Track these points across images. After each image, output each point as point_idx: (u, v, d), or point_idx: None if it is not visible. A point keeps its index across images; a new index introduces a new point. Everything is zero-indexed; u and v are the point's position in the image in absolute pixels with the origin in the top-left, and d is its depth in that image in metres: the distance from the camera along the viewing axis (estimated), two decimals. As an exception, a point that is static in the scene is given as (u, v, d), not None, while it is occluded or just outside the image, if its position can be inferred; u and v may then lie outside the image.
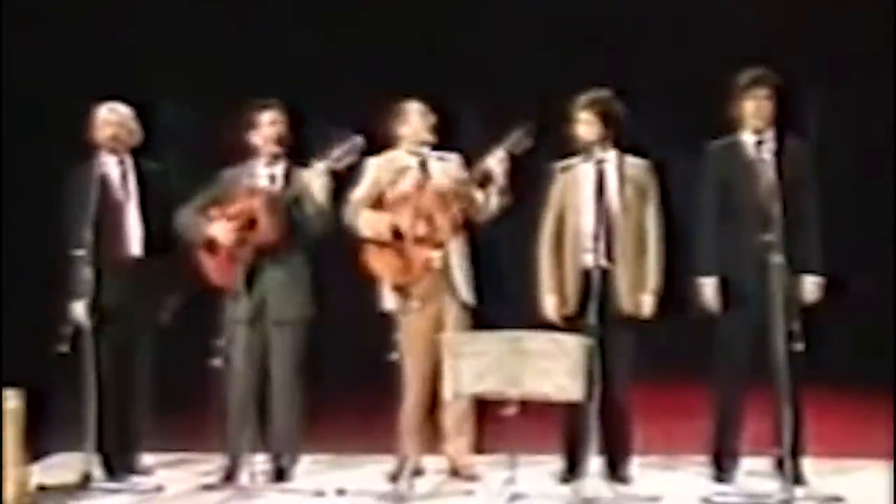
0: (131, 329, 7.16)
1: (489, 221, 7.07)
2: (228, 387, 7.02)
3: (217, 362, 6.82)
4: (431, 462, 7.23)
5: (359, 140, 6.92)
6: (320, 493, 6.86)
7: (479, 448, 7.24)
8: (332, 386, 7.41)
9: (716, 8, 7.61)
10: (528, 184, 7.05)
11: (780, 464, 6.64)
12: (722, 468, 7.00)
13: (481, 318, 7.10)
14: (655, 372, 7.20)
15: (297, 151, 7.14)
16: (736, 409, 6.96)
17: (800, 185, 6.82)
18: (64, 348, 6.91)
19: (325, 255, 7.16)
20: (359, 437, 7.55)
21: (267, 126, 7.09)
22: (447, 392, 6.69)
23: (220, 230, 6.97)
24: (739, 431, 6.98)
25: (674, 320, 7.05)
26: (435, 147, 7.17)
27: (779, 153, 6.85)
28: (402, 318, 6.97)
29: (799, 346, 6.55)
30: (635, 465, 7.08)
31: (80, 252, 6.95)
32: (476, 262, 7.15)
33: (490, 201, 6.99)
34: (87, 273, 6.96)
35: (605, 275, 6.85)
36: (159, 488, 7.04)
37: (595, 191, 6.90)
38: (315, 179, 6.94)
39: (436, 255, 6.94)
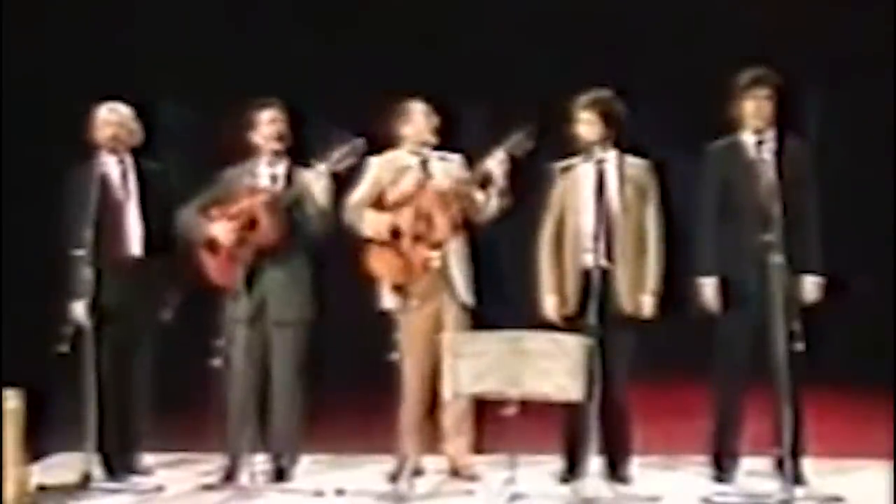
0: (131, 329, 7.16)
1: (489, 222, 7.07)
2: (228, 387, 7.02)
3: (217, 362, 6.82)
4: (431, 462, 7.24)
5: (359, 142, 6.93)
6: (320, 493, 6.86)
7: (479, 448, 7.24)
8: (332, 386, 7.41)
9: (716, 8, 7.61)
10: (528, 184, 7.05)
11: (780, 464, 6.64)
12: (722, 468, 7.00)
13: (481, 318, 7.10)
14: (655, 372, 7.20)
15: (297, 151, 7.14)
16: (736, 409, 6.96)
17: (800, 185, 6.82)
18: (64, 348, 6.91)
19: (325, 255, 7.16)
20: (359, 437, 7.55)
21: (267, 124, 7.09)
22: (447, 392, 6.70)
23: (221, 230, 6.97)
24: (739, 431, 6.98)
25: (674, 320, 7.05)
26: (437, 147, 7.17)
27: (779, 153, 6.85)
28: (401, 317, 6.97)
29: (799, 346, 6.55)
30: (635, 465, 7.08)
31: (80, 252, 6.95)
32: (476, 262, 7.15)
33: (490, 203, 7.00)
34: (87, 273, 6.96)
35: (605, 275, 6.85)
36: (159, 488, 7.05)
37: (595, 191, 6.90)
38: (316, 181, 6.94)
39: (435, 254, 6.94)
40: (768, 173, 6.74)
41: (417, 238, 6.94)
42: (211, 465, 7.25)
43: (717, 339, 6.97)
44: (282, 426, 7.10)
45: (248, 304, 6.96)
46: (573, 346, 6.48)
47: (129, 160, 7.23)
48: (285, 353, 7.08)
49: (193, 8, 7.94)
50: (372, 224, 7.00)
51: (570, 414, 6.89)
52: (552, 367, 6.44)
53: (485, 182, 6.97)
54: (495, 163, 6.92)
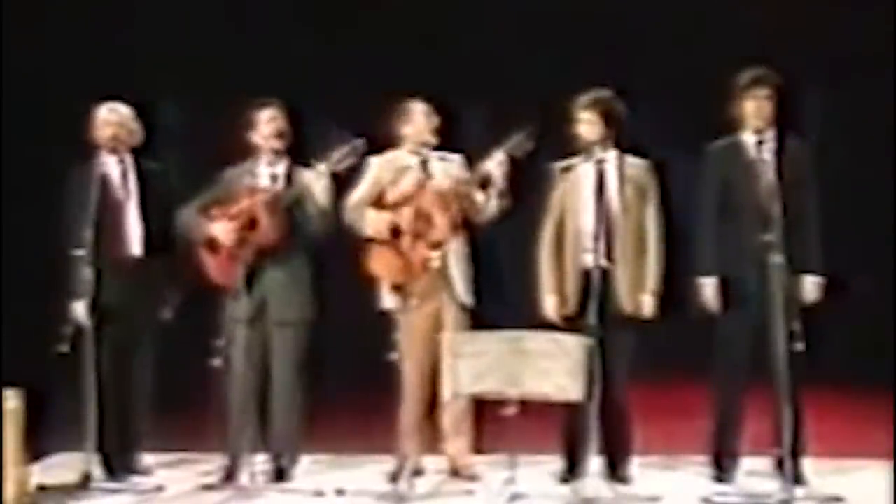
0: (131, 329, 7.16)
1: (489, 222, 7.07)
2: (228, 387, 7.02)
3: (217, 362, 6.82)
4: (431, 462, 7.23)
5: (359, 142, 6.93)
6: (320, 493, 6.86)
7: (478, 448, 7.24)
8: (332, 386, 7.41)
9: (716, 8, 7.61)
10: (528, 185, 7.05)
11: (780, 464, 6.64)
12: (722, 468, 6.99)
13: (481, 318, 7.10)
14: (655, 372, 7.20)
15: (297, 151, 7.14)
16: (736, 409, 6.96)
17: (800, 185, 6.82)
18: (64, 348, 6.91)
19: (325, 255, 7.16)
20: (359, 437, 7.55)
21: (266, 123, 7.09)
22: (446, 392, 6.70)
23: (221, 230, 6.97)
24: (739, 431, 6.98)
25: (674, 320, 7.05)
26: (437, 147, 7.17)
27: (779, 153, 6.85)
28: (401, 317, 6.97)
29: (799, 346, 6.55)
30: (635, 465, 7.08)
31: (80, 252, 6.95)
32: (476, 262, 7.15)
33: (490, 203, 7.00)
34: (87, 273, 6.96)
35: (605, 275, 6.85)
36: (159, 488, 7.04)
37: (595, 191, 6.90)
38: (316, 181, 6.95)
39: (435, 254, 6.94)
40: (768, 173, 6.74)
41: (417, 238, 6.94)
42: (211, 465, 7.25)
43: (717, 339, 6.97)
44: (282, 426, 7.10)
45: (249, 304, 6.95)
46: (573, 346, 6.48)
47: (129, 160, 7.23)
48: (285, 353, 7.08)
49: (193, 8, 7.94)
50: (372, 223, 7.00)
51: (570, 414, 6.88)
52: (552, 367, 6.44)
53: (485, 182, 6.98)
54: (495, 163, 6.92)
